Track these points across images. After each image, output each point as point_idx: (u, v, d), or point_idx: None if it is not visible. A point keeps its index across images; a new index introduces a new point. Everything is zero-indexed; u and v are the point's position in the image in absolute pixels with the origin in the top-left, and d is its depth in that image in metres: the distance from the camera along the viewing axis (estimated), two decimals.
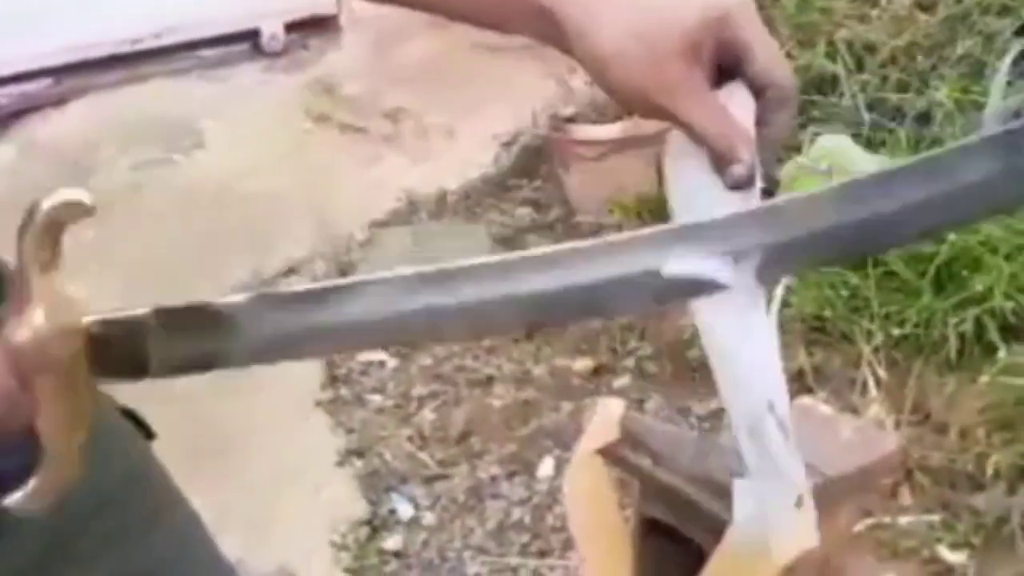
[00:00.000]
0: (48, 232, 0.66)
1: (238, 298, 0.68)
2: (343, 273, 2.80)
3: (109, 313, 0.68)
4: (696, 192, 0.80)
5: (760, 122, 0.79)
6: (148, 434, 0.74)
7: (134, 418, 0.92)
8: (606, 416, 1.21)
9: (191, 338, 0.68)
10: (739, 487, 1.09)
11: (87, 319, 0.67)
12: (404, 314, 0.69)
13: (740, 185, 0.78)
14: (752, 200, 0.78)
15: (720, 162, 0.78)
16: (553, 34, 0.79)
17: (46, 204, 0.65)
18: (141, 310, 0.68)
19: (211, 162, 3.31)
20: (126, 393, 0.80)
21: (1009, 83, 2.45)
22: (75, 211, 0.66)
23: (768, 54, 0.78)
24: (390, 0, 0.88)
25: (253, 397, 2.34)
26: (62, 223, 0.66)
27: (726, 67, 0.78)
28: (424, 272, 0.70)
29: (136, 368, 0.68)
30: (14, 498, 0.68)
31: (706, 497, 1.12)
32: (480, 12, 0.83)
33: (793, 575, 1.08)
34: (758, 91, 0.78)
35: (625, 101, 0.79)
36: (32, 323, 0.66)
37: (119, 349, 0.68)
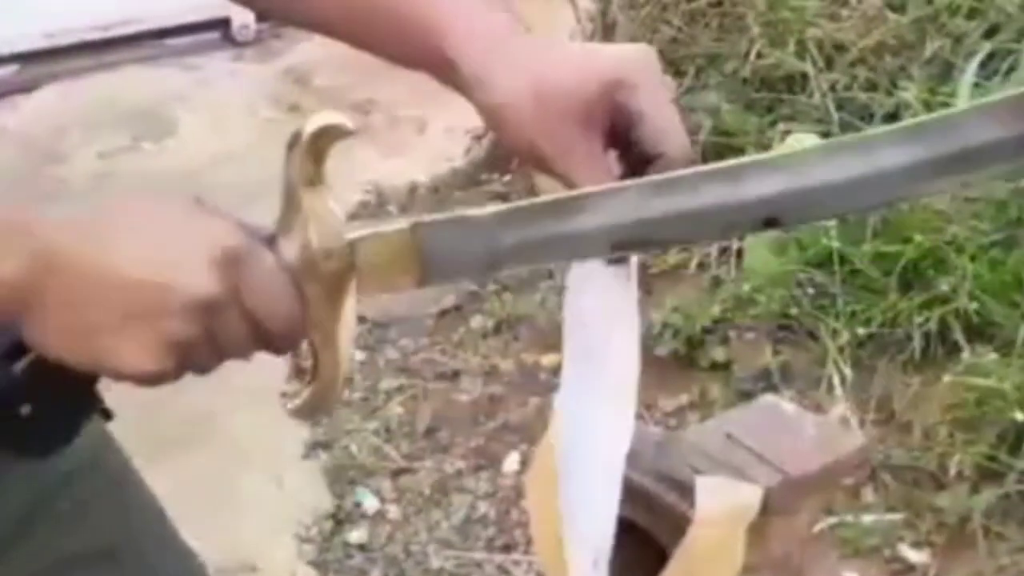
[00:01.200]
0: (312, 153, 0.71)
1: (492, 209, 0.74)
2: None
3: (372, 227, 0.73)
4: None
5: None
6: (106, 415, 0.75)
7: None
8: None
9: (455, 245, 0.73)
10: (701, 484, 1.09)
11: (351, 234, 0.72)
12: (642, 221, 0.75)
13: (615, 259, 0.79)
14: (631, 272, 0.80)
15: None
16: (454, 81, 0.81)
17: (309, 127, 0.71)
18: (401, 223, 0.73)
19: (180, 151, 3.29)
20: None
21: (976, 85, 2.47)
22: (336, 133, 0.71)
23: (661, 123, 0.78)
24: (297, 24, 0.90)
25: (217, 387, 2.32)
26: (325, 145, 0.71)
27: (620, 130, 0.79)
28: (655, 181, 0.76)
29: (408, 278, 0.73)
30: (295, 404, 0.75)
31: (669, 494, 1.12)
32: (384, 47, 0.85)
33: (753, 572, 1.08)
34: (648, 158, 0.78)
35: (518, 155, 0.81)
36: (303, 239, 0.71)
37: (385, 261, 0.72)
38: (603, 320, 0.81)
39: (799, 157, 0.77)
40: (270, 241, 0.71)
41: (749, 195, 0.75)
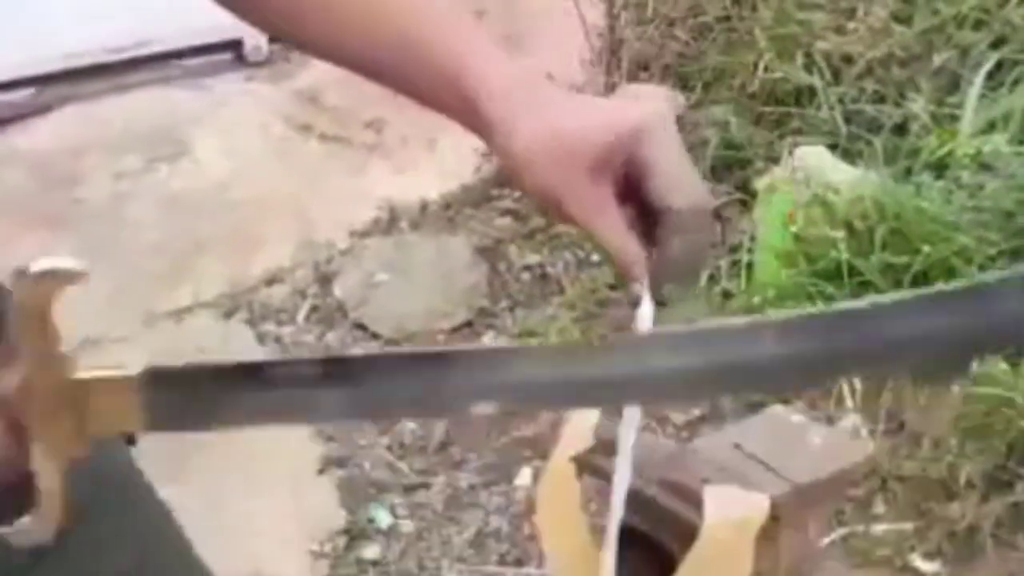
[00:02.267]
0: (39, 290, 0.69)
1: (229, 363, 0.73)
2: (324, 282, 2.81)
3: (97, 371, 0.71)
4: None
5: (657, 242, 0.80)
6: (129, 440, 0.77)
7: None
8: (580, 424, 1.23)
9: (182, 398, 0.72)
10: (709, 493, 1.10)
11: (77, 374, 0.70)
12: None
13: (634, 302, 0.81)
14: (646, 319, 0.81)
15: (622, 275, 0.81)
16: (475, 125, 0.82)
17: (34, 267, 0.69)
18: (128, 371, 0.71)
19: (194, 171, 3.31)
20: None
21: (983, 96, 2.48)
22: (64, 276, 0.69)
23: (672, 176, 0.79)
24: (324, 56, 0.90)
25: None
26: (52, 285, 0.69)
27: (634, 181, 0.80)
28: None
29: (135, 423, 0.72)
30: (9, 531, 0.72)
31: (678, 503, 1.13)
32: (407, 85, 0.86)
33: None
34: (658, 211, 0.80)
35: (535, 200, 0.82)
36: (24, 373, 0.69)
37: (111, 405, 0.71)
38: None
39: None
40: None
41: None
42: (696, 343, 0.78)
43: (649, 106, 0.82)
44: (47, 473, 0.72)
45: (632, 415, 0.83)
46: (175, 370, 0.73)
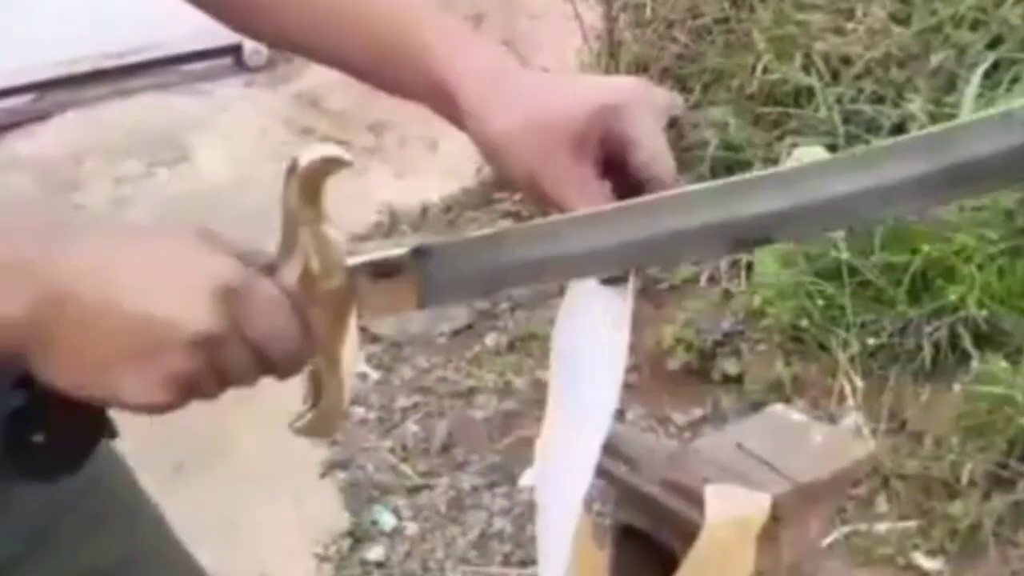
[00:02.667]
0: (309, 182, 0.72)
1: (489, 231, 0.77)
2: None
3: (372, 253, 0.75)
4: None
5: None
6: (111, 434, 0.78)
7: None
8: None
9: (452, 271, 0.75)
10: (710, 492, 1.11)
11: (351, 260, 0.74)
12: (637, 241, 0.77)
13: (612, 279, 0.81)
14: (627, 296, 0.81)
15: None
16: (449, 111, 0.83)
17: (305, 158, 0.72)
18: (400, 248, 0.75)
19: (195, 176, 3.32)
20: None
21: (980, 95, 2.48)
22: (333, 164, 0.72)
23: (653, 149, 0.80)
24: (294, 50, 0.91)
25: (235, 409, 2.35)
26: (322, 175, 0.72)
27: (613, 157, 0.81)
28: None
29: (408, 301, 0.75)
30: (300, 424, 0.76)
31: (679, 503, 1.14)
32: (379, 75, 0.87)
33: None
34: (641, 183, 0.81)
35: (514, 184, 0.83)
36: (303, 266, 0.72)
37: (383, 286, 0.74)
38: (589, 343, 0.83)
39: (798, 173, 0.79)
40: (271, 268, 0.73)
41: (744, 213, 0.77)
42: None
43: (626, 81, 0.83)
44: (328, 361, 0.74)
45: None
46: (442, 244, 0.75)
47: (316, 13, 0.88)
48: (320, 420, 0.76)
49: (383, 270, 0.74)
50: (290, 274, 0.73)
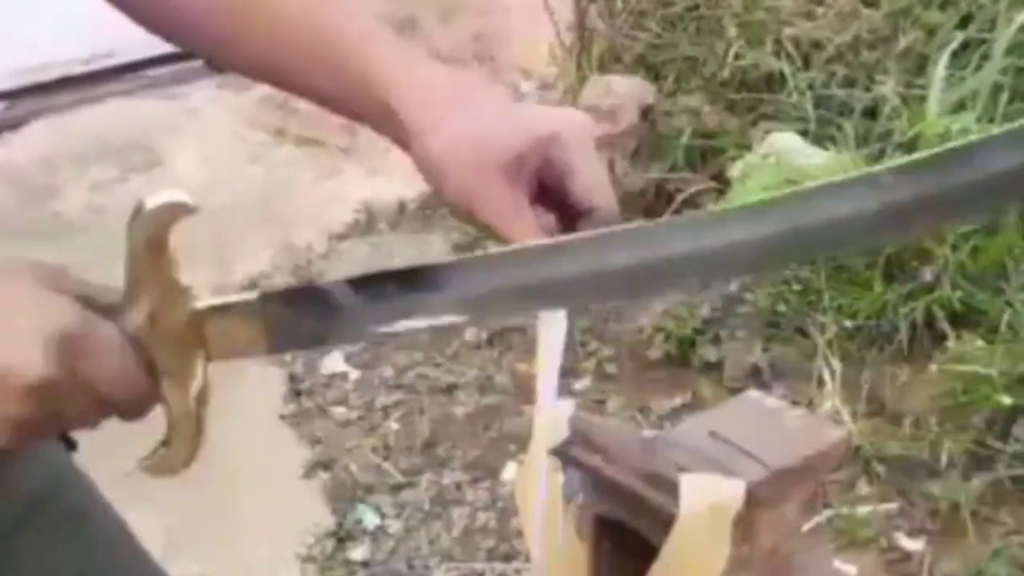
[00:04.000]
0: (155, 228, 0.72)
1: (339, 280, 0.75)
2: None
3: (218, 298, 0.75)
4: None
5: None
6: (69, 445, 0.78)
7: None
8: (555, 416, 1.23)
9: (300, 318, 0.75)
10: (685, 481, 1.11)
11: (197, 304, 0.74)
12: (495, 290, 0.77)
13: None
14: (561, 321, 0.82)
15: None
16: (395, 133, 0.84)
17: (150, 204, 0.71)
18: (248, 294, 0.75)
19: (169, 180, 3.31)
20: None
21: (951, 75, 2.49)
22: (178, 210, 0.72)
23: (590, 178, 0.81)
24: (259, 80, 0.91)
25: (217, 411, 2.35)
26: (168, 219, 0.72)
27: (551, 185, 0.82)
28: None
29: (256, 346, 0.75)
30: (150, 461, 0.76)
31: (655, 492, 1.14)
32: (325, 94, 0.87)
33: (742, 566, 1.10)
34: (578, 212, 0.81)
35: (451, 207, 0.84)
36: (148, 309, 0.72)
37: (231, 329, 0.74)
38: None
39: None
40: (117, 310, 0.73)
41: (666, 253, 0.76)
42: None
43: (566, 113, 0.84)
44: (178, 402, 0.74)
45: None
46: (291, 291, 0.75)
47: (278, 45, 0.88)
48: (169, 460, 0.76)
49: (230, 314, 0.74)
50: (136, 315, 0.72)
